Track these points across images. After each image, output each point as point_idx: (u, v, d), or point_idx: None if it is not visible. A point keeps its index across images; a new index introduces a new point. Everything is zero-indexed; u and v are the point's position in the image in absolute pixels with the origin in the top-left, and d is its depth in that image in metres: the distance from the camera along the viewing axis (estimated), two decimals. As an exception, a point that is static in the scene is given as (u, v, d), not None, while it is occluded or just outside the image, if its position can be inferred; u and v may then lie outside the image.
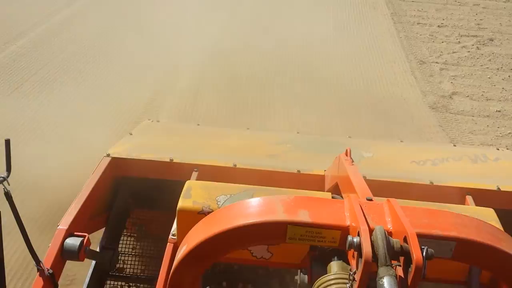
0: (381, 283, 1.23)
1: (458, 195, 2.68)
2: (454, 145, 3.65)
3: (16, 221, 1.94)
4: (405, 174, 2.82)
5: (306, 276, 2.36)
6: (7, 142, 1.85)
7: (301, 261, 2.35)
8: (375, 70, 7.32)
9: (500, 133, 6.24)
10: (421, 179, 2.77)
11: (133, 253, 3.09)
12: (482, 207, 2.30)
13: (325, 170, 2.83)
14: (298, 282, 2.42)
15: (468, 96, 6.98)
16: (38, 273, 2.09)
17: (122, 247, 3.05)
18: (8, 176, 1.84)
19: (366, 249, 1.27)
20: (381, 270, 1.25)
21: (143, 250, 3.09)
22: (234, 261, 2.55)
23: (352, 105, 6.14)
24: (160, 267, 2.26)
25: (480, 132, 6.22)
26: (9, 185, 1.84)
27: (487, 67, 7.75)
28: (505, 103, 6.90)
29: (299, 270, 2.47)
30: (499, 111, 6.69)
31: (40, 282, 2.08)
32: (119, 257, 2.94)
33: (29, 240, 1.99)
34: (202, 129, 3.67)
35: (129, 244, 3.10)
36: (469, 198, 2.65)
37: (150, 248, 3.07)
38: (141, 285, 2.99)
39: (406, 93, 6.81)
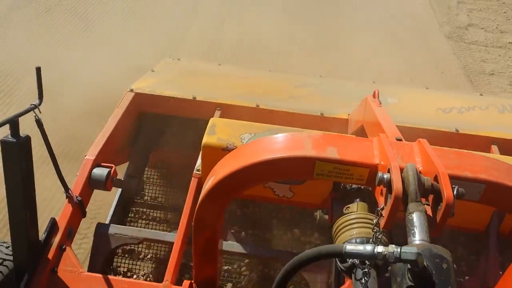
0: (410, 217, 1.23)
1: (484, 144, 2.65)
2: (481, 94, 3.57)
3: (47, 148, 1.98)
4: (431, 121, 2.79)
5: (326, 215, 2.40)
6: (38, 70, 1.86)
7: (322, 202, 2.38)
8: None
9: (511, 62, 6.58)
10: (447, 126, 2.74)
11: (157, 183, 3.16)
12: (507, 156, 2.28)
13: (348, 114, 2.81)
14: (318, 218, 2.47)
15: (483, 28, 7.26)
16: (67, 199, 2.16)
17: (146, 178, 3.11)
18: (40, 104, 1.86)
19: (397, 184, 1.26)
20: (411, 205, 1.25)
21: (167, 181, 3.15)
22: (256, 198, 2.60)
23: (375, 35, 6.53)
24: (184, 198, 2.31)
25: (491, 61, 6.54)
26: (40, 112, 1.87)
27: (503, 2, 7.91)
28: (519, 34, 7.23)
29: (319, 210, 2.51)
30: (511, 42, 7.04)
31: (69, 208, 2.15)
32: (144, 186, 3.02)
33: (59, 167, 2.04)
34: (224, 69, 3.64)
35: (154, 176, 3.16)
36: (494, 148, 2.63)
37: (174, 180, 3.13)
38: (164, 213, 3.08)
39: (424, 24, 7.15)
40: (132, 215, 3.04)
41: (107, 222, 2.68)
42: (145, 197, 3.13)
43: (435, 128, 2.70)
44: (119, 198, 2.81)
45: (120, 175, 2.79)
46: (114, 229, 2.42)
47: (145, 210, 3.08)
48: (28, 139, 1.79)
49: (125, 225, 2.84)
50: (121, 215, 2.85)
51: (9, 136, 1.74)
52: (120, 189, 2.84)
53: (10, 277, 2.00)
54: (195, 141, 2.37)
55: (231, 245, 2.45)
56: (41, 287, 1.94)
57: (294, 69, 5.39)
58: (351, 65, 5.60)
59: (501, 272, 2.25)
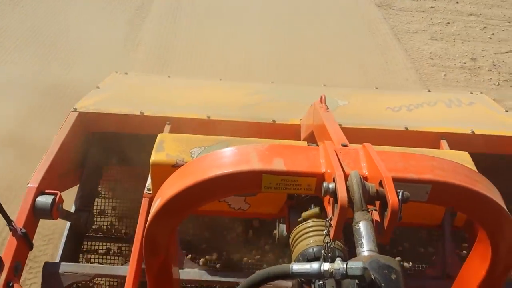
0: (357, 227, 1.22)
1: (433, 139, 2.70)
2: (429, 91, 3.65)
3: None
4: (381, 121, 2.82)
5: (284, 227, 2.37)
6: None
7: (279, 211, 2.35)
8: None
9: (432, 22, 8.15)
10: (396, 125, 2.78)
11: (108, 214, 3.04)
12: (457, 151, 2.32)
13: (300, 119, 2.81)
14: (277, 236, 2.43)
15: (409, -4, 8.82)
16: (11, 233, 2.05)
17: (96, 208, 2.99)
18: None
19: (342, 194, 1.25)
20: (357, 214, 1.24)
21: (119, 209, 3.04)
22: (212, 213, 2.55)
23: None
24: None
25: (416, 22, 8.17)
26: None
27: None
28: (438, 1, 8.89)
29: (277, 223, 2.48)
30: (433, 7, 8.68)
31: (14, 242, 2.04)
32: (94, 218, 2.90)
33: None
34: (173, 81, 3.58)
35: (104, 204, 3.04)
36: (443, 143, 2.67)
37: (126, 206, 3.02)
38: (119, 244, 2.96)
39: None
40: (85, 248, 2.89)
41: (57, 260, 2.53)
42: (98, 229, 2.98)
43: (384, 127, 2.73)
44: (68, 232, 2.68)
45: (69, 202, 2.67)
46: (63, 267, 2.28)
47: (98, 243, 2.94)
48: None
49: (77, 261, 2.72)
50: (72, 250, 2.71)
51: None
52: (68, 223, 2.70)
53: None
54: (146, 160, 2.29)
55: (187, 273, 2.36)
56: None
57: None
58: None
59: (459, 262, 2.30)
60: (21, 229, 2.05)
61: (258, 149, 1.56)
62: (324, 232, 1.37)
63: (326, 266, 1.08)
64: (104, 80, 3.29)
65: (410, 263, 2.80)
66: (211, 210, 2.36)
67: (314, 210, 2.01)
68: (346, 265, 1.07)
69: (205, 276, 2.36)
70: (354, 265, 1.07)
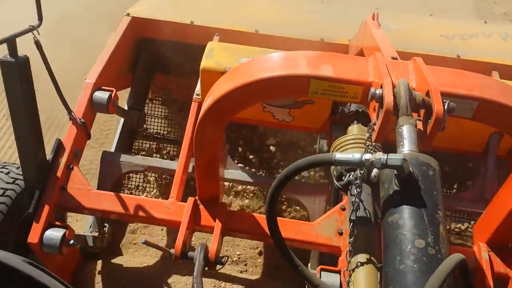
0: (400, 130, 1.27)
1: (484, 69, 2.64)
2: (485, 22, 3.50)
3: (48, 71, 2.00)
4: (432, 47, 2.76)
5: (325, 143, 2.45)
6: None
7: (321, 126, 2.42)
8: None
9: None
10: (448, 52, 2.72)
11: (158, 116, 3.20)
12: (507, 80, 2.28)
13: (349, 40, 2.79)
14: (317, 150, 2.52)
15: None
16: (71, 121, 2.21)
17: (148, 109, 3.15)
18: (39, 26, 1.85)
19: (388, 98, 1.29)
20: (402, 119, 1.28)
21: (168, 113, 3.18)
22: (256, 122, 2.64)
23: None
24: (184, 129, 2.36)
25: None
26: (39, 34, 1.87)
27: None
28: None
29: (318, 138, 2.55)
30: None
31: (73, 130, 2.21)
32: (145, 118, 3.07)
33: (60, 89, 2.07)
34: None
35: (155, 108, 3.20)
36: (495, 73, 2.62)
37: (174, 112, 3.16)
38: (166, 145, 3.14)
39: None
40: (136, 146, 3.09)
41: (112, 150, 2.75)
42: (148, 129, 3.17)
43: (436, 54, 2.68)
44: (122, 127, 2.86)
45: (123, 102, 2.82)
46: (119, 157, 2.48)
47: (150, 142, 3.13)
48: (26, 59, 1.80)
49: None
50: (125, 146, 2.91)
51: (8, 56, 1.76)
52: (122, 119, 2.87)
53: (22, 195, 2.09)
54: (194, 68, 2.37)
55: (231, 173, 2.51)
56: (51, 203, 2.03)
57: None
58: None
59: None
60: (80, 119, 2.21)
61: (308, 56, 1.60)
62: (366, 135, 1.43)
63: (367, 156, 1.15)
64: None
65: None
66: (255, 119, 2.45)
67: (359, 125, 2.08)
68: (387, 156, 1.14)
69: (246, 177, 2.50)
70: (395, 156, 1.13)
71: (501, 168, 2.38)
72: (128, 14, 2.84)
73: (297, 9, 3.30)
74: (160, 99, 3.22)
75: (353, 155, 1.17)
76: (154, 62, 3.07)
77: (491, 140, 2.35)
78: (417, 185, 1.14)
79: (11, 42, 1.73)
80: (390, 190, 1.18)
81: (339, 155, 1.19)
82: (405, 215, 1.14)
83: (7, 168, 2.19)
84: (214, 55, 2.26)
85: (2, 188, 2.08)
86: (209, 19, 2.88)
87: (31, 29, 1.85)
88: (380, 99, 1.34)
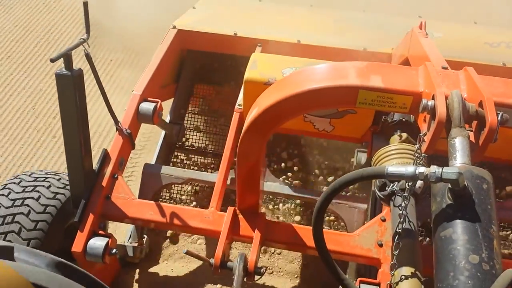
0: (452, 142, 1.25)
1: None
2: (531, 28, 3.41)
3: (97, 82, 2.07)
4: (477, 55, 2.71)
5: (363, 156, 2.42)
6: (85, 4, 1.90)
7: (362, 136, 2.39)
8: None
9: None
10: (494, 60, 2.67)
11: (198, 129, 3.23)
12: None
13: (392, 48, 2.76)
14: (355, 163, 2.49)
15: None
16: (117, 132, 2.27)
17: (188, 123, 3.19)
18: (88, 38, 1.92)
19: (441, 110, 1.27)
20: (454, 130, 1.26)
21: (208, 126, 3.23)
22: (297, 132, 2.64)
23: None
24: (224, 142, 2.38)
25: None
26: (89, 46, 1.93)
27: None
28: None
29: (355, 151, 2.52)
30: None
31: (120, 140, 2.27)
32: (185, 131, 3.11)
33: (109, 101, 2.13)
34: (265, 5, 3.59)
35: (195, 120, 3.24)
36: None
37: (214, 124, 3.20)
38: (205, 158, 3.18)
39: None
40: (175, 159, 3.13)
41: (153, 162, 2.79)
42: (187, 143, 3.20)
43: (481, 62, 2.63)
44: (162, 141, 2.91)
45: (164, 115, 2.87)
46: (160, 169, 2.52)
47: (187, 155, 3.16)
48: (81, 72, 1.87)
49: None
50: (165, 157, 2.97)
51: (63, 69, 1.82)
52: (163, 132, 2.92)
53: (68, 203, 2.15)
54: (237, 79, 2.40)
55: (269, 186, 2.51)
56: (96, 212, 2.08)
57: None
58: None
59: None
60: (126, 130, 2.27)
61: (356, 66, 1.59)
62: (416, 147, 1.41)
63: (421, 169, 1.14)
64: (199, 1, 3.39)
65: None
66: (296, 129, 2.45)
67: (404, 135, 2.05)
68: (442, 169, 1.12)
69: (286, 190, 2.50)
70: (450, 170, 1.11)
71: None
72: (174, 27, 2.91)
73: (338, 18, 3.30)
74: (200, 109, 3.26)
75: (406, 168, 1.16)
76: (197, 73, 3.13)
77: None
78: (471, 199, 1.12)
79: (67, 56, 1.79)
80: (443, 204, 1.16)
81: (391, 168, 1.18)
82: (459, 229, 1.12)
83: (59, 175, 2.27)
84: (257, 66, 2.28)
85: (53, 192, 2.15)
86: (252, 30, 2.92)
87: (82, 42, 1.92)
88: (432, 111, 1.32)
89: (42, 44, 4.65)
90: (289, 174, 3.06)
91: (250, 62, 2.31)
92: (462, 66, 2.54)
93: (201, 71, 3.15)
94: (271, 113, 1.63)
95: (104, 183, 2.14)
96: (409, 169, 1.16)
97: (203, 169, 3.12)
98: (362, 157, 2.42)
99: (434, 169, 1.12)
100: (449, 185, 1.14)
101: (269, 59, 2.36)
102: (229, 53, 2.97)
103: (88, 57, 1.96)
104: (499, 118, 1.25)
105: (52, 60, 1.75)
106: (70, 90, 1.85)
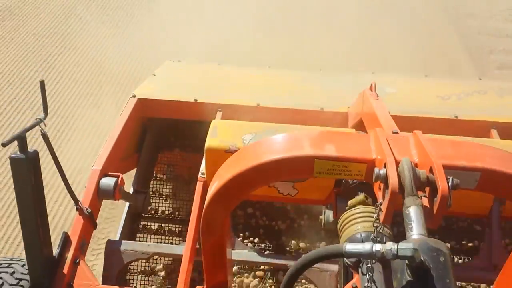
0: (407, 212, 1.27)
1: (483, 129, 2.67)
2: (480, 79, 3.59)
3: (54, 161, 2.03)
4: (430, 109, 2.81)
5: (331, 213, 2.42)
6: (42, 83, 1.90)
7: (326, 198, 2.41)
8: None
9: None
10: (446, 113, 2.77)
11: (164, 195, 3.20)
12: (508, 141, 2.30)
13: (348, 107, 2.84)
14: (323, 221, 2.49)
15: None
16: (78, 212, 2.21)
17: (153, 189, 3.16)
18: (45, 118, 1.90)
19: (393, 179, 1.30)
20: (408, 200, 1.29)
21: (174, 192, 3.20)
22: (261, 198, 2.64)
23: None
24: (191, 208, 2.35)
25: None
26: (45, 126, 1.91)
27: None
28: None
29: (323, 209, 2.54)
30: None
31: (80, 220, 2.20)
32: (151, 199, 3.07)
33: (67, 180, 2.09)
34: (224, 69, 3.68)
35: (160, 187, 3.21)
36: (494, 132, 2.65)
37: (180, 189, 3.18)
38: (173, 226, 3.12)
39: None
40: (140, 234, 3.06)
41: (117, 238, 2.71)
42: (153, 211, 3.16)
43: (434, 116, 2.73)
44: (127, 213, 2.84)
45: (128, 184, 2.84)
46: (124, 245, 2.45)
47: (154, 224, 3.12)
48: (36, 154, 1.83)
49: (134, 239, 2.89)
50: (130, 230, 2.90)
51: (18, 152, 1.79)
52: (127, 204, 2.87)
53: None
54: (199, 144, 2.41)
55: (239, 254, 2.47)
56: None
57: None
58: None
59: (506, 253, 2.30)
60: (87, 209, 2.22)
61: (310, 136, 1.63)
62: (374, 216, 1.43)
63: (377, 246, 1.15)
64: (159, 68, 3.44)
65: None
66: (260, 194, 2.45)
67: (361, 197, 2.07)
68: (397, 246, 1.13)
69: (255, 257, 2.46)
70: (405, 246, 1.12)
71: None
72: (134, 96, 2.93)
73: (295, 78, 3.40)
74: (165, 177, 3.24)
75: (364, 246, 1.17)
76: (159, 141, 3.13)
77: (495, 202, 2.34)
78: (429, 273, 1.13)
79: (21, 138, 1.77)
80: (403, 280, 1.17)
81: (349, 246, 1.19)
82: None
83: (23, 261, 2.16)
84: (217, 134, 2.30)
85: (17, 278, 2.02)
86: (212, 95, 2.97)
87: (39, 122, 1.90)
88: (385, 179, 1.35)
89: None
90: (257, 240, 3.03)
91: (210, 130, 2.33)
92: (417, 121, 2.71)
93: (164, 138, 3.15)
94: (231, 186, 1.63)
95: (65, 270, 2.04)
96: (366, 246, 1.17)
97: (173, 238, 3.06)
98: (330, 214, 2.43)
99: (390, 245, 1.14)
100: (407, 261, 1.15)
101: (228, 126, 2.39)
102: (191, 119, 2.99)
103: (45, 136, 1.93)
104: (449, 184, 1.29)
105: (4, 145, 1.72)
106: (25, 173, 1.81)
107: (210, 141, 2.25)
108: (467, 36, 6.38)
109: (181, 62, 3.65)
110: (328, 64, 4.59)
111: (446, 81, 3.45)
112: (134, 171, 3.01)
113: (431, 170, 1.36)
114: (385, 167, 1.39)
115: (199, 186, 2.40)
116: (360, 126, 2.46)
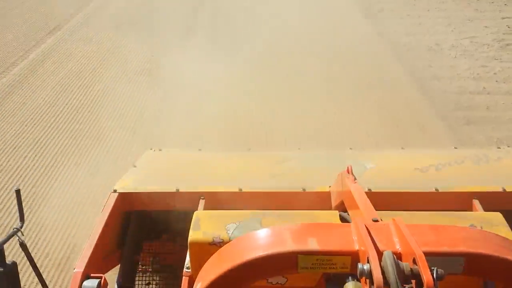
0: None
1: (465, 200, 2.69)
2: (455, 148, 3.68)
3: (34, 270, 1.98)
4: (410, 183, 2.84)
5: None
6: (18, 192, 1.89)
7: (316, 284, 2.36)
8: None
9: None
10: (426, 186, 2.79)
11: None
12: (490, 212, 2.32)
13: (329, 186, 2.86)
14: None
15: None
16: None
17: (138, 284, 3.06)
18: (21, 227, 1.88)
19: (377, 276, 1.29)
20: None
21: (160, 284, 3.10)
22: None
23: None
24: None
25: None
26: (23, 235, 1.88)
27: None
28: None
29: None
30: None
31: None
32: None
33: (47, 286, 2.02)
34: (204, 155, 3.71)
35: (145, 280, 3.11)
36: (476, 203, 2.66)
37: (166, 281, 3.08)
38: None
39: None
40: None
41: None
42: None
43: (414, 190, 2.76)
44: None
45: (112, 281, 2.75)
46: None
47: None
48: (14, 265, 1.79)
49: None
50: None
51: None
52: None
53: None
54: (183, 234, 2.37)
55: None
56: None
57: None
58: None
59: None
60: (69, 315, 2.13)
61: (292, 229, 1.62)
62: None
63: None
64: (140, 159, 3.46)
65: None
66: (250, 285, 2.39)
67: (353, 282, 2.03)
68: None
69: None
70: None
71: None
72: (115, 191, 2.91)
73: (276, 159, 3.44)
74: (150, 269, 3.15)
75: None
76: (142, 234, 3.07)
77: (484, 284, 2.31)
78: None
79: None
80: None
81: None
82: None
83: None
84: (200, 226, 2.28)
85: None
86: (194, 183, 2.97)
87: (16, 231, 1.87)
88: (369, 275, 1.34)
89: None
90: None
91: (193, 223, 2.30)
92: (399, 196, 2.72)
93: (148, 230, 3.10)
94: (216, 287, 1.60)
95: None
96: None
97: None
98: None
99: None
100: None
101: (211, 216, 2.37)
102: (174, 209, 2.96)
103: (23, 245, 1.90)
104: (434, 276, 1.28)
105: None
106: (3, 285, 1.76)
107: (193, 234, 2.22)
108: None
109: (161, 150, 3.68)
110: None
111: (422, 152, 3.53)
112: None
113: (414, 261, 1.35)
114: (368, 261, 1.37)
115: (184, 281, 2.33)
116: (343, 206, 2.47)
